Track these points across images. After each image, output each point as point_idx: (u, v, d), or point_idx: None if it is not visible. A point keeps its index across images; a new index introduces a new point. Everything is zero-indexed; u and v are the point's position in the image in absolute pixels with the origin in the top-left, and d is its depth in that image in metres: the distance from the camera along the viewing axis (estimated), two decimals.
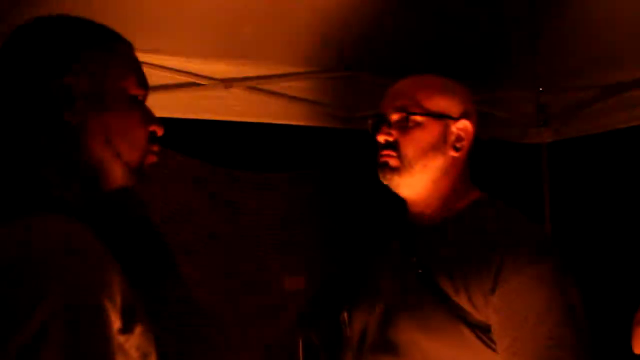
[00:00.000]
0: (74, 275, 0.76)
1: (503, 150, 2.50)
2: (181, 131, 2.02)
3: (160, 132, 0.96)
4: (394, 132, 1.23)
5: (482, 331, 1.15)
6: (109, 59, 0.89)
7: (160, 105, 1.87)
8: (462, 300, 1.16)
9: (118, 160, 0.90)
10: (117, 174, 0.91)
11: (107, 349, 0.77)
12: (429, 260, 1.23)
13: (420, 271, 1.22)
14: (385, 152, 1.23)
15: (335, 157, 2.51)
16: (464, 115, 1.26)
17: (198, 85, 1.94)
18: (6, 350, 0.73)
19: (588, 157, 2.46)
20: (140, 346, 0.84)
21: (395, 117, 1.24)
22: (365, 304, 1.29)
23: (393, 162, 1.22)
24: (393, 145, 1.23)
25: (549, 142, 2.35)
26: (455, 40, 1.95)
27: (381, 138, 1.24)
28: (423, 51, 1.93)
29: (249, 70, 1.96)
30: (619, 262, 2.44)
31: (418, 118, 1.23)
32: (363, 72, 2.06)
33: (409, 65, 1.95)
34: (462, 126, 1.25)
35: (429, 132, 1.23)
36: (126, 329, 0.81)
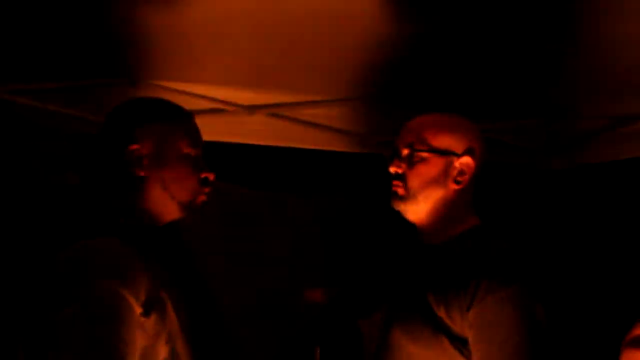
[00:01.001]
0: (108, 277, 1.12)
1: (515, 176, 2.58)
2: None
3: (211, 177, 1.32)
4: (403, 165, 1.40)
5: (461, 343, 1.30)
6: (167, 129, 1.28)
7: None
8: (442, 314, 1.31)
9: (173, 201, 1.28)
10: (172, 211, 1.29)
11: (125, 326, 1.11)
12: (422, 276, 1.39)
13: (412, 287, 1.39)
14: (395, 182, 1.41)
15: (351, 180, 2.62)
16: (467, 152, 1.41)
17: (224, 111, 2.08)
18: (53, 326, 1.08)
19: (598, 184, 2.53)
20: (154, 327, 1.17)
21: (404, 152, 1.41)
22: (370, 312, 1.45)
23: (400, 191, 1.40)
24: (401, 177, 1.40)
25: (559, 169, 2.45)
26: (471, 71, 2.04)
27: (392, 170, 1.42)
28: (439, 81, 2.04)
29: (272, 98, 2.10)
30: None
31: (423, 154, 1.39)
32: (380, 101, 2.18)
33: (424, 95, 2.08)
34: (465, 162, 1.40)
35: (433, 166, 1.39)
36: (145, 314, 1.15)
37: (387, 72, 2.04)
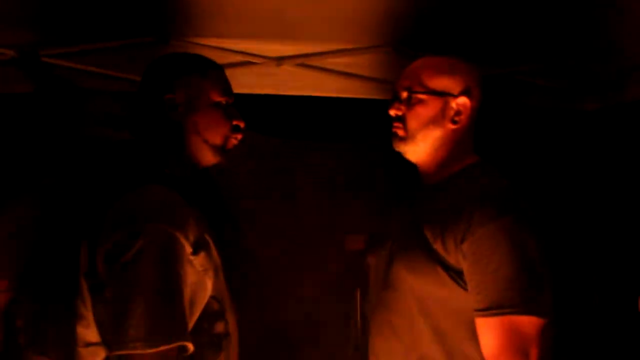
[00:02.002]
0: (163, 222, 1.25)
1: (547, 118, 2.59)
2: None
3: (242, 125, 1.46)
4: (402, 107, 1.48)
5: (455, 273, 1.36)
6: (200, 79, 1.43)
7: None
8: (439, 247, 1.38)
9: (206, 145, 1.41)
10: (207, 154, 1.43)
11: (177, 262, 1.25)
12: (421, 213, 1.47)
13: (411, 221, 1.47)
14: (395, 124, 1.49)
15: (381, 127, 2.67)
16: (463, 93, 1.47)
17: (253, 63, 2.16)
18: (118, 263, 1.23)
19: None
20: (202, 264, 1.31)
21: (403, 94, 1.48)
22: (378, 247, 1.54)
23: (400, 132, 1.49)
24: (401, 119, 1.48)
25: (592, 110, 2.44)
26: (501, 14, 2.00)
27: (392, 112, 1.50)
28: (467, 26, 2.04)
29: (299, 49, 2.15)
30: None
31: (420, 96, 1.46)
32: (407, 48, 2.20)
33: (451, 40, 2.09)
34: (462, 102, 1.47)
35: (430, 107, 1.46)
36: (195, 253, 1.29)
37: (415, 18, 2.04)
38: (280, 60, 2.17)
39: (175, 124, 1.41)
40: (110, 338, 1.22)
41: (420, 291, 1.40)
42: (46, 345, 1.78)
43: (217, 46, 2.04)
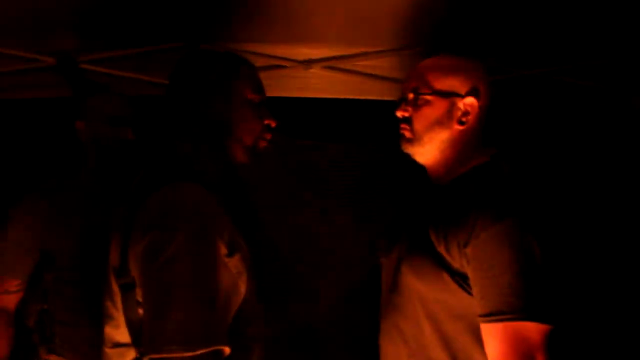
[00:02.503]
0: (200, 221, 1.22)
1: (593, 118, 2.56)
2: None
3: (273, 124, 1.44)
4: (409, 108, 1.46)
5: (460, 278, 1.34)
6: (234, 78, 1.41)
7: None
8: (443, 251, 1.35)
9: (239, 144, 1.40)
10: (238, 154, 1.41)
11: (215, 264, 1.22)
12: (428, 215, 1.44)
13: (418, 223, 1.44)
14: (402, 125, 1.48)
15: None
16: (470, 93, 1.45)
17: (282, 67, 2.21)
18: (157, 261, 1.19)
19: None
20: (237, 266, 1.28)
21: (410, 96, 1.46)
22: (389, 249, 1.52)
23: (407, 134, 1.47)
24: (408, 120, 1.46)
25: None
26: (542, 15, 1.96)
27: (398, 114, 1.48)
28: (499, 27, 2.02)
29: (326, 52, 2.19)
30: None
31: (427, 97, 1.44)
32: (435, 50, 2.22)
33: (481, 42, 2.10)
34: (469, 102, 1.44)
35: (436, 108, 1.44)
36: (230, 254, 1.26)
37: (445, 19, 2.02)
38: (308, 63, 2.22)
39: (212, 122, 1.39)
40: (146, 340, 1.16)
41: (426, 296, 1.38)
42: (60, 345, 1.86)
43: (246, 50, 2.08)
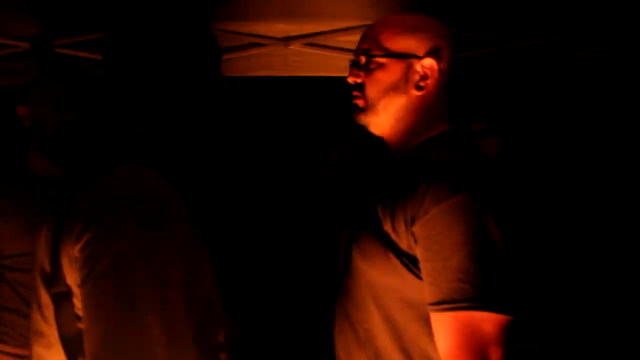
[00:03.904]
0: (151, 210, 0.98)
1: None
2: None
3: (226, 85, 1.21)
4: (361, 73, 1.31)
5: (408, 260, 1.20)
6: (183, 33, 1.14)
7: (227, 66, 2.17)
8: (389, 228, 1.22)
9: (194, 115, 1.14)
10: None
11: (170, 262, 0.98)
12: (378, 190, 1.32)
13: (370, 199, 1.31)
14: (354, 93, 1.33)
15: None
16: (430, 54, 1.29)
17: (260, 45, 2.20)
18: (100, 262, 0.95)
19: None
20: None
21: (362, 59, 1.31)
22: (345, 230, 1.39)
23: (360, 102, 1.32)
24: (360, 87, 1.31)
25: None
26: None
27: (350, 80, 1.33)
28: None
29: (306, 28, 2.18)
30: None
31: (380, 59, 1.29)
32: None
33: (471, 14, 2.08)
34: (427, 64, 1.29)
35: (391, 72, 1.29)
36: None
37: None
38: (287, 40, 2.20)
39: (155, 90, 1.14)
40: None
41: (372, 280, 1.25)
42: (5, 332, 1.87)
43: (222, 29, 2.07)
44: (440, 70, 1.30)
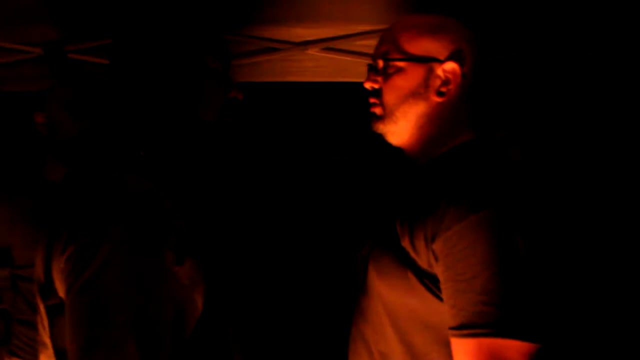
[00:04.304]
0: (135, 222, 0.97)
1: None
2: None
3: (240, 96, 1.21)
4: (379, 78, 1.24)
5: (429, 279, 1.12)
6: (192, 45, 1.15)
7: (242, 71, 2.13)
8: (407, 245, 1.14)
9: (197, 122, 1.14)
10: (199, 132, 1.15)
11: (157, 278, 0.97)
12: (399, 204, 1.23)
13: (389, 213, 1.23)
14: (371, 100, 1.26)
15: None
16: (452, 57, 1.22)
17: (276, 50, 2.15)
18: (81, 275, 0.95)
19: None
20: (190, 276, 1.04)
21: (380, 63, 1.24)
22: (363, 245, 1.31)
23: (378, 110, 1.25)
24: (378, 93, 1.24)
25: None
26: None
27: (367, 85, 1.25)
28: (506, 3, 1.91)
29: (324, 32, 2.12)
30: None
31: (398, 63, 1.21)
32: None
33: (489, 17, 2.03)
34: (449, 69, 1.22)
35: (410, 77, 1.21)
36: (178, 262, 1.02)
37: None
38: (304, 45, 2.16)
39: (162, 96, 1.12)
40: None
41: (390, 299, 1.17)
42: (20, 347, 1.83)
43: (238, 33, 2.04)
44: (463, 74, 1.23)
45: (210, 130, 1.17)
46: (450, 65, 1.22)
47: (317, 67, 2.25)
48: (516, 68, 2.29)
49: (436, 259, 1.10)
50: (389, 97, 1.23)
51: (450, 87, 1.23)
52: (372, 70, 1.26)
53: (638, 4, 1.97)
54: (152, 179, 1.06)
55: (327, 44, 2.17)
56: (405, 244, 1.15)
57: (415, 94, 1.22)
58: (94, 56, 2.16)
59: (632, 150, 2.52)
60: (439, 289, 1.11)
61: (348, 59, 2.23)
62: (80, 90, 1.94)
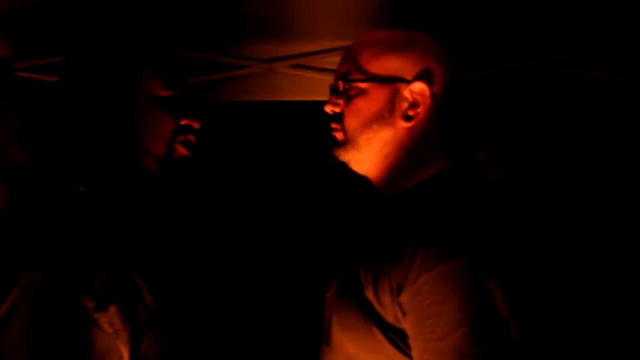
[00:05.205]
0: (47, 267, 0.94)
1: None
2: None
3: (195, 125, 1.14)
4: (340, 101, 1.13)
5: (397, 336, 1.00)
6: (135, 70, 1.11)
7: (209, 90, 2.03)
8: (371, 296, 1.01)
9: (147, 155, 1.10)
10: (148, 166, 1.11)
11: (71, 327, 0.95)
12: (364, 244, 1.11)
13: (354, 254, 1.12)
14: (333, 125, 1.15)
15: None
16: (420, 77, 1.09)
17: (242, 67, 2.06)
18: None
19: None
20: (113, 323, 1.00)
21: (340, 85, 1.13)
22: (329, 288, 1.20)
23: (339, 135, 1.13)
24: (339, 117, 1.13)
25: None
26: None
27: (327, 109, 1.15)
28: (498, 14, 1.84)
29: (292, 48, 2.06)
30: None
31: (360, 84, 1.10)
32: None
33: (471, 31, 1.99)
34: (417, 89, 1.09)
35: (373, 100, 1.10)
36: (100, 308, 0.98)
37: (429, 8, 1.83)
38: (272, 62, 2.08)
39: (103, 126, 1.09)
40: None
41: (355, 355, 1.05)
42: None
43: (200, 53, 1.96)
44: (432, 95, 1.11)
45: (156, 165, 1.11)
46: (418, 86, 1.10)
47: (284, 85, 2.17)
48: (495, 84, 2.24)
49: (403, 314, 0.98)
50: (350, 122, 1.11)
51: (419, 110, 1.10)
52: (334, 92, 1.15)
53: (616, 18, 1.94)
54: (87, 216, 1.01)
55: (296, 61, 2.10)
56: (370, 294, 1.02)
57: (379, 119, 1.10)
58: (44, 74, 2.05)
59: (616, 165, 2.48)
60: (408, 346, 0.99)
61: (318, 76, 2.16)
62: (31, 113, 1.81)
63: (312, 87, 2.20)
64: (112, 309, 0.99)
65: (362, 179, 1.18)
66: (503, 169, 2.08)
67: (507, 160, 2.09)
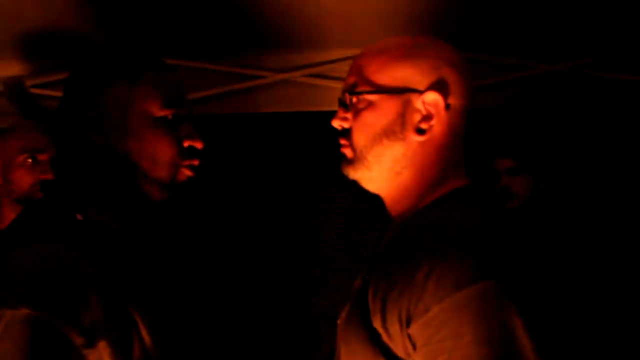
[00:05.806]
0: (34, 303, 0.89)
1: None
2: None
3: (198, 145, 1.07)
4: (349, 115, 1.04)
5: None
6: (132, 88, 1.03)
7: (224, 104, 2.00)
8: (378, 325, 0.93)
9: (147, 180, 1.03)
10: (150, 192, 1.04)
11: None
12: (375, 266, 1.03)
13: (364, 277, 1.04)
14: (341, 141, 1.06)
15: None
16: (433, 87, 1.01)
17: (258, 77, 2.04)
18: None
19: None
20: (101, 359, 0.94)
21: (348, 98, 1.04)
22: (340, 313, 1.12)
23: (347, 152, 1.05)
24: (347, 133, 1.04)
25: None
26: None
27: (335, 124, 1.06)
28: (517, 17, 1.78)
29: (305, 58, 2.03)
30: None
31: (368, 97, 1.01)
32: None
33: (483, 38, 1.93)
34: (431, 100, 1.01)
35: (382, 113, 1.01)
36: (89, 345, 0.92)
37: (447, 14, 1.78)
38: (285, 72, 2.05)
39: (99, 150, 1.02)
40: None
41: None
42: None
43: (210, 65, 1.93)
44: (448, 106, 1.02)
45: (158, 191, 1.05)
46: (431, 97, 1.01)
47: (302, 95, 2.13)
48: (515, 91, 2.17)
49: (414, 347, 0.89)
50: (359, 138, 1.02)
51: (433, 122, 1.01)
52: (342, 105, 1.06)
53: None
54: (83, 246, 0.96)
55: (309, 71, 2.06)
56: (377, 324, 0.93)
57: (389, 133, 1.01)
58: (55, 90, 2.04)
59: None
60: None
61: (335, 85, 2.11)
62: (42, 133, 1.78)
63: (327, 97, 2.16)
64: (102, 344, 0.94)
65: (376, 196, 1.12)
66: (530, 177, 2.00)
67: (534, 167, 2.01)
